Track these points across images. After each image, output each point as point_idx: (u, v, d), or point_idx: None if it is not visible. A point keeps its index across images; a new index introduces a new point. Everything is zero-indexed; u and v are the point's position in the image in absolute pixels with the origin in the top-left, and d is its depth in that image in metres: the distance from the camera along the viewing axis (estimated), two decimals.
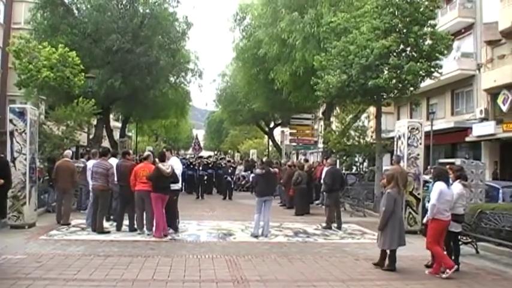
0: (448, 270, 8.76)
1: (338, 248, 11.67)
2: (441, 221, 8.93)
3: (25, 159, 12.74)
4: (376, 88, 17.31)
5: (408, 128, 14.24)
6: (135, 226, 12.57)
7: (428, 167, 20.47)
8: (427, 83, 19.61)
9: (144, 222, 12.36)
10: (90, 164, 13.96)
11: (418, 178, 14.04)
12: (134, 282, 7.82)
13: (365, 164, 28.56)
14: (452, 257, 9.21)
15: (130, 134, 58.95)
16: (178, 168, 13.10)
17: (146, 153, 14.17)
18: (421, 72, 17.15)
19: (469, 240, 11.01)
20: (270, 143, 50.16)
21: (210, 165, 26.96)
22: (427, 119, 28.83)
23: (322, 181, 16.73)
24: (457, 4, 29.39)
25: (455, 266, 8.93)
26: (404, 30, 17.40)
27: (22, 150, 12.73)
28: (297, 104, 28.97)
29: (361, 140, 24.88)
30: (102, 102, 26.35)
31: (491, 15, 26.68)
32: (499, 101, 25.39)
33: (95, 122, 29.71)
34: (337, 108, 28.49)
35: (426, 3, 17.88)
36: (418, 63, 16.83)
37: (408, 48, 17.79)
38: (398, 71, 17.11)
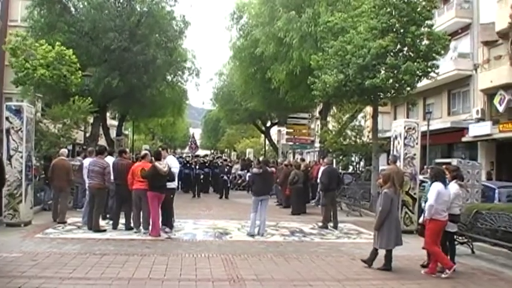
0: (447, 271, 8.79)
1: (334, 247, 11.68)
2: (439, 221, 8.94)
3: (21, 157, 12.70)
4: (373, 88, 17.32)
5: (405, 127, 14.26)
6: (132, 225, 12.58)
7: (425, 167, 20.48)
8: (423, 83, 19.64)
9: (141, 221, 12.36)
10: (87, 162, 13.93)
11: (414, 178, 14.07)
12: (130, 280, 7.81)
13: (361, 163, 28.63)
14: (448, 257, 9.22)
15: (127, 132, 58.81)
16: (176, 167, 13.12)
17: (144, 152, 14.16)
18: (418, 72, 17.19)
19: (465, 240, 11.03)
20: (267, 142, 50.19)
21: (207, 164, 26.97)
22: (424, 119, 28.89)
23: (318, 180, 16.74)
24: (454, 4, 29.41)
25: (454, 266, 8.95)
26: (402, 30, 17.42)
27: (18, 148, 12.70)
28: (294, 103, 28.98)
29: (358, 140, 24.93)
30: (98, 100, 26.32)
31: (488, 15, 26.69)
32: (496, 101, 25.41)
33: (91, 120, 29.65)
34: (333, 107, 28.50)
35: (423, 3, 17.91)
36: (415, 63, 16.86)
37: (405, 48, 17.81)
38: (395, 71, 17.13)
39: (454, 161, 15.18)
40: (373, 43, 17.10)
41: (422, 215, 9.82)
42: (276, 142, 49.91)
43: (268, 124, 47.50)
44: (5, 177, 9.90)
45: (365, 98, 19.17)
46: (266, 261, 9.76)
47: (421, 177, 15.23)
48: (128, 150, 19.31)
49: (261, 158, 19.27)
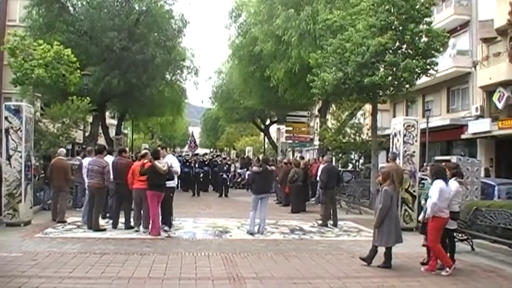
0: (447, 269, 8.81)
1: (334, 245, 11.70)
2: (441, 218, 8.96)
3: (20, 157, 12.69)
4: (372, 85, 17.30)
5: (404, 125, 14.28)
6: (131, 224, 12.59)
7: (424, 164, 20.47)
8: (422, 80, 19.61)
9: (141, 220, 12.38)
10: (86, 161, 13.94)
11: (413, 175, 14.09)
12: (130, 280, 7.81)
13: (361, 161, 28.62)
14: (448, 254, 9.22)
15: (126, 131, 58.78)
16: (177, 166, 13.13)
17: (144, 151, 14.16)
18: (417, 69, 17.16)
19: (465, 237, 11.05)
20: (266, 140, 50.19)
21: (206, 163, 26.94)
22: (423, 116, 28.91)
23: (318, 178, 16.74)
24: (452, 1, 29.37)
25: (454, 264, 8.96)
26: (400, 28, 17.38)
27: (17, 148, 12.68)
28: (293, 101, 28.98)
29: (357, 138, 24.92)
30: (98, 99, 26.31)
31: (486, 12, 26.68)
32: (495, 98, 25.41)
33: (90, 120, 29.63)
34: (333, 105, 28.50)
35: (422, 0, 17.88)
36: (414, 61, 16.82)
37: (404, 46, 17.77)
38: (394, 69, 17.11)
39: (454, 158, 15.13)
40: (372, 41, 17.08)
41: (422, 212, 9.85)
42: (275, 140, 49.90)
43: (268, 122, 47.53)
44: (1, 177, 9.89)
45: (364, 95, 19.14)
46: (266, 259, 9.77)
47: (420, 174, 15.24)
48: (127, 149, 19.29)
49: (260, 157, 19.29)
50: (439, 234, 9.02)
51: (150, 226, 11.92)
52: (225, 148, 79.55)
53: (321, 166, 16.54)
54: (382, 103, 21.07)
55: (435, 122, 29.19)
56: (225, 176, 25.21)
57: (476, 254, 10.86)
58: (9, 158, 12.58)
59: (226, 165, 26.62)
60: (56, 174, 14.07)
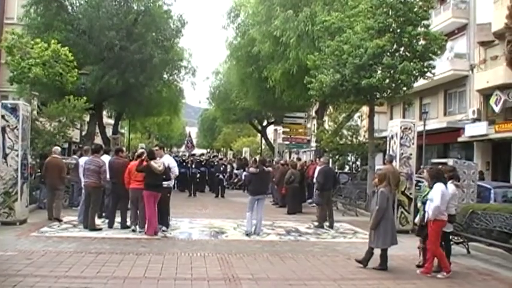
0: (444, 273, 8.82)
1: (330, 247, 11.70)
2: (442, 221, 8.98)
3: (17, 156, 12.67)
4: (369, 88, 17.33)
5: (401, 127, 14.29)
6: (127, 223, 12.57)
7: (421, 167, 20.51)
8: (420, 83, 19.63)
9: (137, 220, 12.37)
10: (83, 160, 13.94)
11: (410, 178, 14.10)
12: (126, 279, 7.80)
13: (357, 163, 28.65)
14: None
15: (123, 131, 58.77)
16: (175, 167, 13.11)
17: (140, 150, 14.15)
18: (414, 72, 17.17)
19: (461, 240, 11.05)
20: (263, 141, 50.18)
21: (203, 163, 26.93)
22: (420, 118, 28.90)
23: (314, 180, 16.74)
24: (450, 5, 29.46)
25: (451, 272, 8.97)
26: (398, 30, 17.41)
27: (14, 146, 12.67)
28: (290, 102, 29.01)
29: (354, 139, 24.97)
30: (95, 98, 26.26)
31: (484, 16, 26.73)
32: (492, 101, 25.45)
33: (87, 119, 29.57)
34: (330, 107, 28.50)
35: (420, 3, 17.91)
36: (412, 63, 16.84)
37: (402, 48, 17.81)
38: (392, 71, 17.13)
39: (450, 161, 15.14)
40: (369, 43, 17.10)
41: (418, 215, 9.86)
42: (272, 141, 49.92)
43: (265, 123, 47.52)
44: None
45: (361, 97, 19.15)
46: (262, 260, 9.76)
47: (415, 176, 15.24)
48: (124, 149, 19.25)
49: (257, 157, 19.28)
50: (439, 237, 9.05)
51: (146, 226, 11.92)
52: (222, 149, 79.50)
53: (318, 168, 16.53)
54: (380, 105, 21.11)
55: (432, 124, 29.22)
56: (221, 176, 25.21)
57: (472, 257, 10.87)
58: (5, 156, 12.56)
59: (223, 166, 26.61)
60: (50, 172, 14.08)
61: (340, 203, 19.58)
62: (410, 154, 14.23)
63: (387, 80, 17.42)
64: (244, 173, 26.24)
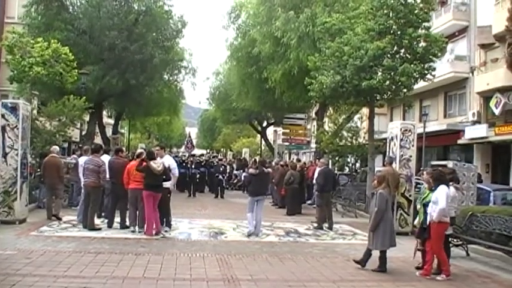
0: (444, 275, 8.82)
1: (329, 248, 11.70)
2: (446, 223, 8.99)
3: (17, 155, 12.66)
4: (369, 89, 17.33)
5: (401, 129, 14.30)
6: (127, 223, 12.57)
7: (421, 169, 20.50)
8: (420, 85, 19.63)
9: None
10: (82, 160, 13.95)
11: (410, 180, 14.10)
12: (125, 279, 7.80)
13: (357, 164, 28.66)
14: None
15: (123, 130, 58.77)
16: (175, 168, 13.11)
17: (139, 150, 14.15)
18: (414, 74, 17.18)
19: (460, 242, 11.06)
20: (263, 142, 50.16)
21: (203, 164, 26.94)
22: (420, 120, 28.92)
23: (314, 181, 16.74)
24: (451, 7, 29.48)
25: (451, 276, 8.96)
26: (399, 32, 17.42)
27: (14, 145, 12.66)
28: (290, 103, 29.00)
29: (354, 141, 24.96)
30: (95, 98, 26.27)
31: (485, 18, 26.76)
32: (492, 104, 25.47)
33: (87, 119, 29.56)
34: (330, 108, 28.52)
35: (421, 5, 17.92)
36: (412, 65, 16.85)
37: (402, 50, 17.82)
38: (392, 73, 17.14)
39: (450, 164, 15.15)
40: (370, 44, 17.10)
41: (417, 217, 9.86)
42: (272, 142, 49.91)
43: (265, 124, 47.49)
44: None
45: (361, 99, 19.15)
46: (261, 261, 9.76)
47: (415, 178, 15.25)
48: (124, 149, 19.25)
49: (257, 158, 19.27)
50: (443, 240, 9.06)
51: (145, 226, 11.91)
52: (222, 149, 79.45)
53: (318, 169, 16.53)
54: (380, 107, 21.13)
55: (432, 126, 29.25)
56: (221, 177, 25.21)
57: (471, 259, 10.88)
58: (5, 155, 12.55)
59: (223, 167, 26.62)
60: (49, 171, 14.10)
61: (340, 205, 19.55)
62: (410, 156, 14.25)
63: (387, 82, 17.43)
64: (244, 174, 26.21)
